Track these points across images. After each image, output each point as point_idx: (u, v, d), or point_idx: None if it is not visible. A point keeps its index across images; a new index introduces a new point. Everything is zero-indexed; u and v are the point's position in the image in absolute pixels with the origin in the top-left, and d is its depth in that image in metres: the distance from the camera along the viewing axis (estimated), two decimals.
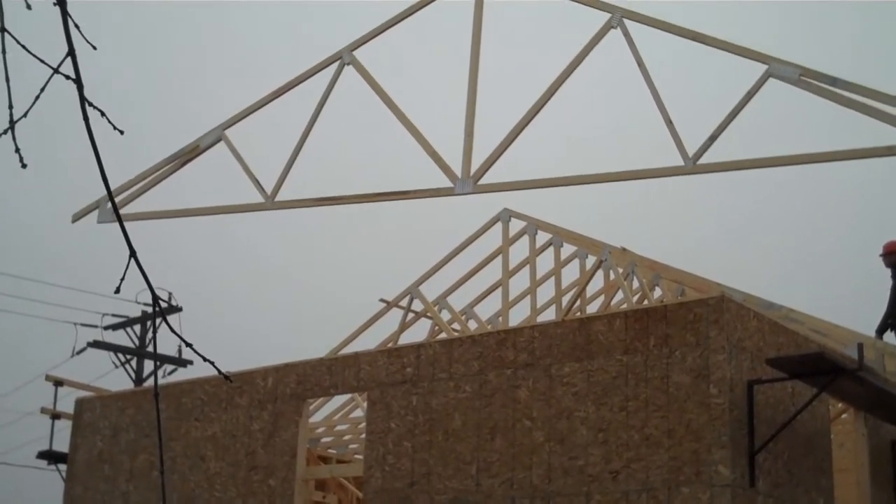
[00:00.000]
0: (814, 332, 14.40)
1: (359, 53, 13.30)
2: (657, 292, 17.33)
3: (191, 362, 33.02)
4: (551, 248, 18.14)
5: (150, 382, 31.53)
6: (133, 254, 3.42)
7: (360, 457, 17.06)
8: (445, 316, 18.40)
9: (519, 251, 18.04)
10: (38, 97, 3.52)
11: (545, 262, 18.12)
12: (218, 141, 13.88)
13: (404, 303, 18.07)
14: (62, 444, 18.16)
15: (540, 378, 12.49)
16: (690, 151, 11.35)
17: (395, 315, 18.17)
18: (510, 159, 12.45)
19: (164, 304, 31.84)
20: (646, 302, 16.65)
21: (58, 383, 19.11)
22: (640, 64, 11.75)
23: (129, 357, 32.78)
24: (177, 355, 32.93)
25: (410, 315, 18.15)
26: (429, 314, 18.14)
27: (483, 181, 12.50)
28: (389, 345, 16.79)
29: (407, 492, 13.20)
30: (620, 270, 16.97)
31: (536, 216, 17.72)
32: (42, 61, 3.46)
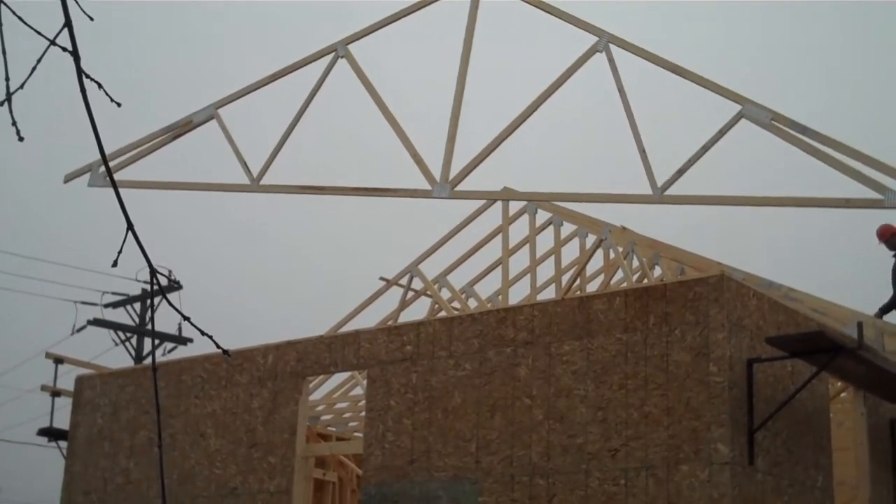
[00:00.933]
0: (813, 311, 14.41)
1: (354, 48, 13.51)
2: (657, 271, 17.33)
3: (191, 340, 33.08)
4: (551, 227, 18.13)
5: (150, 360, 31.55)
6: (130, 226, 3.40)
7: (359, 434, 17.10)
8: (445, 294, 18.41)
9: (519, 230, 18.04)
10: (34, 69, 3.50)
11: (545, 240, 18.12)
12: (210, 118, 14.07)
13: (404, 281, 18.07)
14: (62, 422, 18.18)
15: (539, 356, 12.49)
16: (660, 181, 11.72)
17: (395, 293, 18.19)
18: (489, 167, 12.80)
19: (163, 282, 31.84)
20: (645, 281, 16.65)
21: (58, 361, 19.10)
22: (621, 90, 12.05)
23: (128, 335, 32.82)
24: (177, 333, 32.98)
25: (410, 293, 18.15)
26: (429, 292, 18.14)
27: (460, 187, 12.93)
28: (389, 323, 16.80)
29: (406, 469, 13.22)
30: (620, 249, 16.97)
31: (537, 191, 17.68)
32: (39, 33, 3.44)
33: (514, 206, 17.56)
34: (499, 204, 17.57)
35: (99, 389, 17.14)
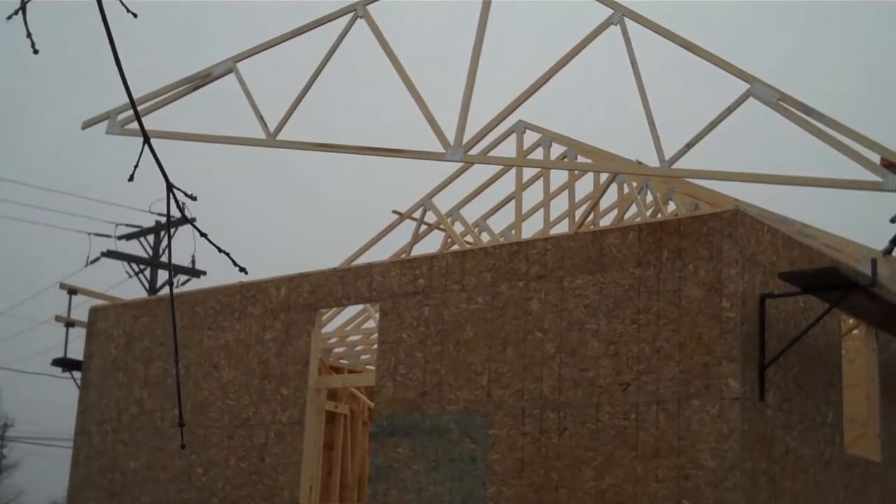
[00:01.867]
0: (827, 248, 14.36)
1: (374, 8, 13.56)
2: (671, 206, 17.27)
3: (204, 273, 33.18)
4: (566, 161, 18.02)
5: (164, 292, 31.67)
6: (147, 140, 3.37)
7: (371, 367, 17.17)
8: (458, 228, 18.38)
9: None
10: None
11: (559, 175, 18.03)
12: (229, 72, 14.22)
13: (417, 214, 18.04)
14: (77, 353, 18.28)
15: (552, 290, 12.50)
16: (668, 155, 11.84)
17: (408, 226, 18.16)
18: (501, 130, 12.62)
19: (183, 201, 31.81)
20: (659, 215, 16.60)
21: (72, 292, 19.15)
22: (634, 63, 12.19)
23: (142, 267, 32.91)
24: (190, 265, 33.06)
25: (423, 227, 18.13)
26: (442, 226, 18.12)
27: (473, 151, 13.31)
28: (402, 256, 16.81)
29: (418, 402, 13.29)
30: (634, 184, 16.90)
31: (551, 129, 17.59)
32: None
33: (529, 140, 17.46)
34: (513, 137, 17.48)
35: (113, 320, 17.22)
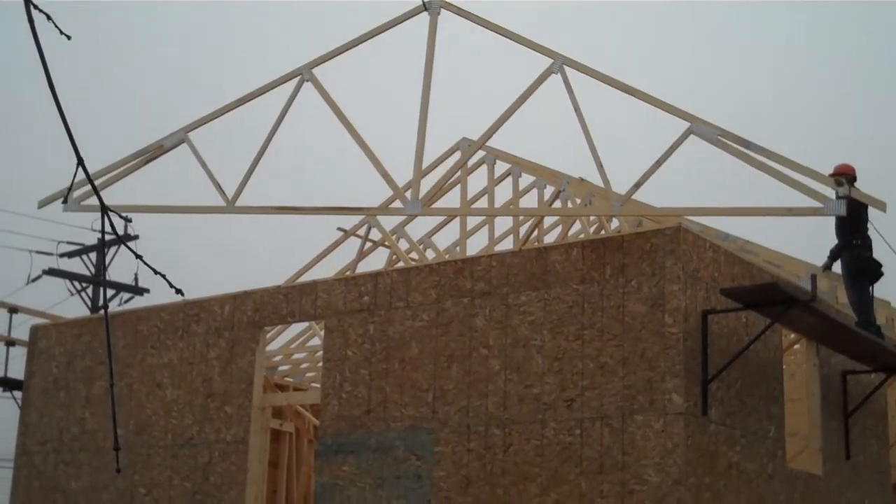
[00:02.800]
0: (768, 264, 14.55)
1: (320, 70, 13.68)
2: (614, 223, 17.39)
3: (147, 290, 32.91)
4: (510, 179, 18.12)
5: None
6: (80, 161, 3.36)
7: (317, 385, 17.12)
8: (403, 245, 18.40)
9: (477, 181, 18.01)
10: None
11: (503, 191, 18.11)
12: (181, 143, 14.21)
13: (362, 231, 18.03)
14: (17, 372, 18.06)
15: (497, 307, 12.53)
16: (620, 190, 12.21)
17: (353, 243, 18.14)
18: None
19: (120, 228, 31.54)
20: (603, 232, 16.72)
21: (12, 310, 18.95)
22: (577, 109, 12.42)
23: (84, 285, 32.58)
24: (133, 283, 32.78)
25: (368, 244, 18.12)
26: (387, 243, 18.12)
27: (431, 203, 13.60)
28: (347, 273, 16.78)
29: (364, 419, 13.26)
30: (578, 201, 17.00)
31: (495, 146, 17.67)
32: None
33: (473, 158, 17.52)
34: (457, 154, 17.53)
35: (54, 339, 17.04)
